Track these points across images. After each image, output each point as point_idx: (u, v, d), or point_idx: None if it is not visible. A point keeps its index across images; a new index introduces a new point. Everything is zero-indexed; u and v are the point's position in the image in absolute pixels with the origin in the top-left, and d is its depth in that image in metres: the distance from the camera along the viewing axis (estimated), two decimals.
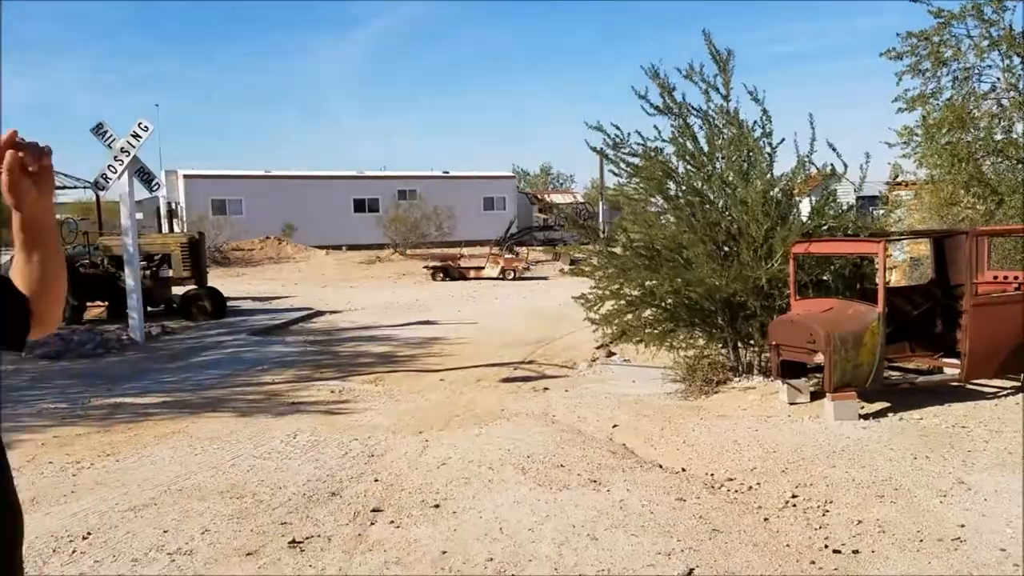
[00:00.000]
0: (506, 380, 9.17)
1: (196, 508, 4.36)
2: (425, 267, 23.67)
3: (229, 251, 29.23)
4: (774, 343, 6.70)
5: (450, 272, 22.73)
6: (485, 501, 4.44)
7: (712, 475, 5.04)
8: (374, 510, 4.36)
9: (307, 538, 3.94)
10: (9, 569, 1.36)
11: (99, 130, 10.51)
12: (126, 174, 10.60)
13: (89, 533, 4.04)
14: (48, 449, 6.04)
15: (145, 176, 11.29)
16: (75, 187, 19.77)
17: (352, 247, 32.03)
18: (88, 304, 13.76)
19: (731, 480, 4.89)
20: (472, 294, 18.81)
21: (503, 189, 39.42)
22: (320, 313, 15.59)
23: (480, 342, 11.75)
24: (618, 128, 8.08)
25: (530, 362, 10.26)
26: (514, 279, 22.19)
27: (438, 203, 32.24)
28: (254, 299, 17.66)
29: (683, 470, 5.19)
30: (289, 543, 3.84)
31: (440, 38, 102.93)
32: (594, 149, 8.17)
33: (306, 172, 36.55)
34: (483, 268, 22.76)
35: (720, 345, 8.10)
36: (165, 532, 4.00)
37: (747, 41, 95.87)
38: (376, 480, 4.95)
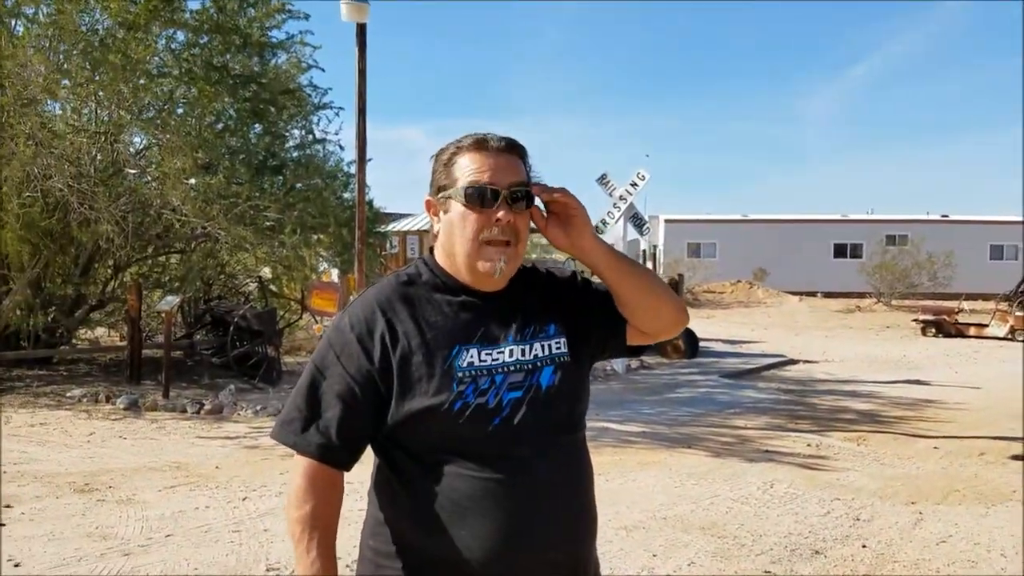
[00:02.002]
0: (1017, 457, 7.79)
1: (681, 539, 4.52)
2: (914, 320, 21.44)
3: (700, 293, 30.09)
4: None
5: (944, 328, 20.22)
6: None
7: None
8: None
9: None
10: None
11: (603, 180, 11.73)
12: (622, 219, 11.64)
13: None
14: None
15: (637, 221, 12.25)
16: None
17: (828, 294, 30.54)
18: None
19: None
20: (972, 354, 16.49)
21: (1015, 236, 33.99)
22: (793, 361, 15.11)
23: (983, 410, 10.21)
24: None
25: None
26: None
27: (933, 250, 29.04)
28: (724, 342, 17.86)
29: None
30: None
31: (933, 74, 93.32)
32: None
33: (782, 216, 36.02)
34: (987, 326, 19.79)
35: None
36: (654, 556, 4.22)
37: None
38: (864, 546, 4.60)
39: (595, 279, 1.62)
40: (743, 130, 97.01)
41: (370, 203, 13.28)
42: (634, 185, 11.58)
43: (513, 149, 1.51)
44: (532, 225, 1.53)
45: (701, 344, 15.36)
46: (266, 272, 13.34)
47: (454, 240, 1.49)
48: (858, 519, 5.14)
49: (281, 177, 11.49)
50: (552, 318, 1.56)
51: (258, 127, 11.77)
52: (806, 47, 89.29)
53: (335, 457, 1.46)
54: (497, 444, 1.43)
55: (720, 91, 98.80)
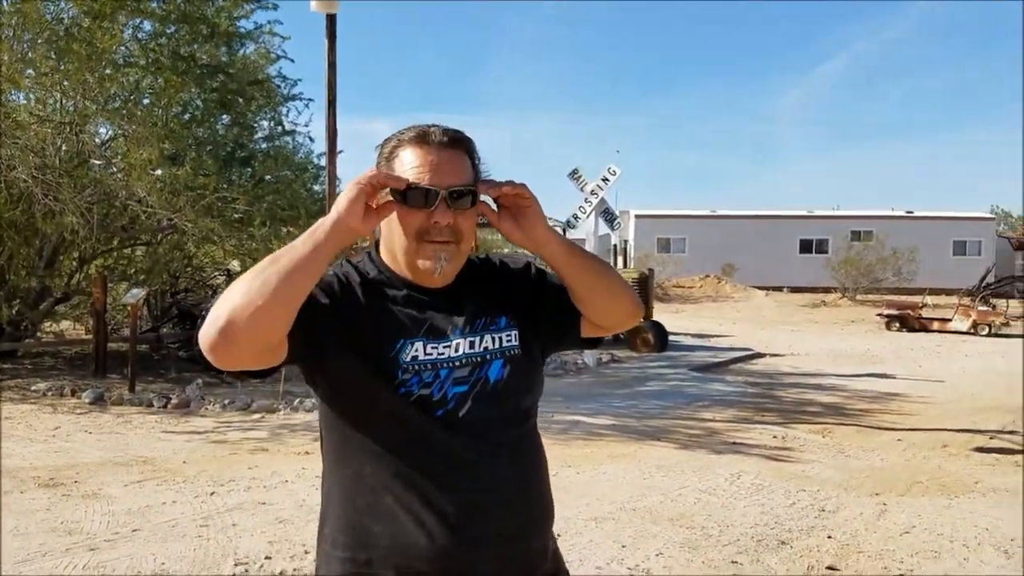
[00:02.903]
0: (980, 449, 7.97)
1: (650, 530, 4.57)
2: (879, 315, 21.79)
3: (670, 287, 30.32)
4: None
5: (908, 322, 20.58)
6: None
7: None
8: (829, 567, 4.11)
9: None
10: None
11: (574, 175, 11.78)
12: (594, 214, 11.70)
13: (559, 535, 4.47)
14: None
15: (608, 216, 12.32)
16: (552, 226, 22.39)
17: (795, 289, 30.94)
18: None
19: None
20: (935, 348, 16.81)
21: (978, 232, 34.71)
22: (760, 355, 15.29)
23: (946, 403, 10.41)
24: None
25: (1011, 432, 8.79)
26: (988, 335, 19.29)
27: (897, 245, 29.54)
28: (693, 335, 18.01)
29: None
30: None
31: (909, 72, 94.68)
32: None
33: (750, 212, 36.39)
34: (949, 320, 20.18)
35: None
36: (623, 547, 4.26)
37: None
38: (829, 537, 4.67)
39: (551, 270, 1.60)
40: (716, 127, 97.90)
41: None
42: (605, 180, 11.64)
43: (457, 144, 1.47)
44: (485, 219, 1.51)
45: (671, 338, 15.50)
46: (235, 265, 13.19)
47: (394, 238, 1.47)
48: (823, 510, 5.22)
49: (250, 169, 11.38)
50: (503, 310, 1.55)
51: (226, 118, 11.63)
52: (777, 46, 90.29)
53: None
54: (442, 437, 1.41)
55: (692, 88, 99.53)
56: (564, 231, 20.47)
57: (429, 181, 1.42)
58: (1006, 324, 20.34)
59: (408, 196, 1.42)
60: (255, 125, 12.10)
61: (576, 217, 12.03)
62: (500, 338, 1.52)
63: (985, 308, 20.76)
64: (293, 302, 1.29)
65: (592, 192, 11.66)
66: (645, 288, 15.09)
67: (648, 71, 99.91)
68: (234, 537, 4.52)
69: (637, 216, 35.38)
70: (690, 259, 33.07)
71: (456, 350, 1.47)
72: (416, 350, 1.44)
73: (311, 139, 12.59)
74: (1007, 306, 22.49)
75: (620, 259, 21.75)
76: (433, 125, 1.47)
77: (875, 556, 4.29)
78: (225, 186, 10.36)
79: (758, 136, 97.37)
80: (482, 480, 1.42)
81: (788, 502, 5.41)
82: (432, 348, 1.45)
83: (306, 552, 4.24)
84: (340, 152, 10.64)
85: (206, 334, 1.29)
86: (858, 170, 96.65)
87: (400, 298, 1.49)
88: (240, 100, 11.29)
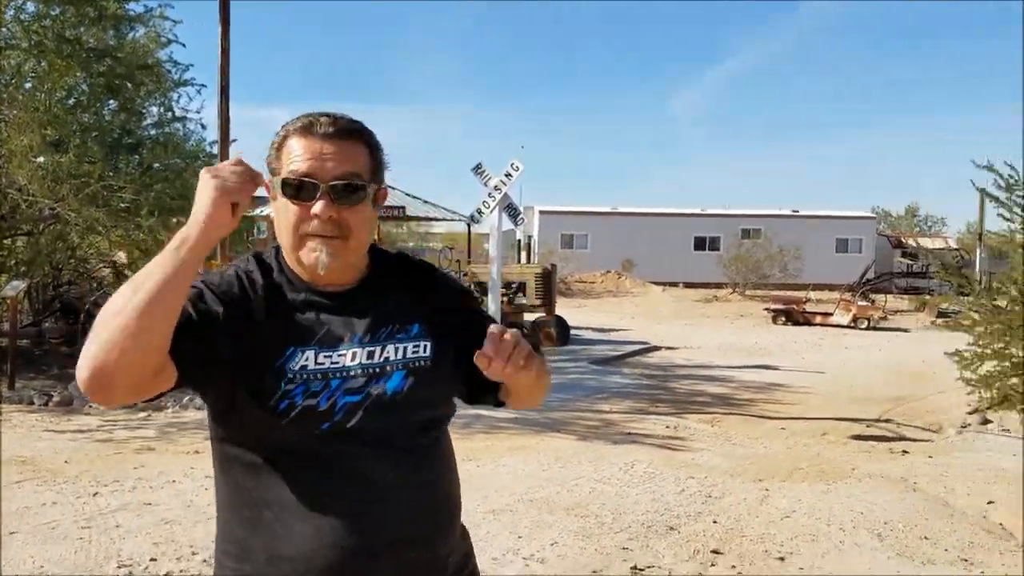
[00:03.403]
0: (857, 437, 8.47)
1: (546, 520, 4.67)
2: (766, 309, 22.78)
3: (572, 283, 30.81)
4: None
5: (793, 316, 21.60)
6: (835, 562, 4.15)
7: None
8: (714, 551, 4.30)
9: (648, 567, 4.01)
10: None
11: (478, 169, 11.78)
12: (497, 209, 11.74)
13: None
14: None
15: (513, 211, 12.39)
16: (451, 219, 22.31)
17: (689, 285, 31.97)
18: None
19: None
20: (818, 341, 17.71)
21: (860, 231, 36.71)
22: (656, 348, 15.76)
23: (827, 394, 11.01)
24: (1013, 168, 7.12)
25: (886, 420, 9.37)
26: (867, 328, 20.45)
27: (784, 243, 30.93)
28: (594, 330, 18.39)
29: None
30: (632, 568, 3.94)
31: (804, 74, 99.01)
32: (982, 191, 7.29)
33: (649, 209, 37.34)
34: (831, 314, 21.28)
35: None
36: (519, 537, 4.34)
37: None
38: (715, 522, 4.88)
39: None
40: (619, 126, 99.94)
41: None
42: (508, 176, 11.69)
43: (348, 134, 1.40)
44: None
45: (572, 332, 15.78)
46: (121, 256, 12.63)
47: (279, 230, 1.41)
48: (710, 496, 5.45)
49: (138, 156, 10.90)
50: (418, 319, 1.47)
51: (113, 103, 11.10)
52: (676, 46, 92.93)
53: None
54: (329, 448, 1.35)
55: (597, 87, 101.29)
56: (468, 226, 20.50)
57: (309, 172, 1.36)
58: (884, 318, 21.60)
59: (285, 188, 1.37)
60: (144, 111, 11.59)
61: (480, 212, 12.04)
62: (406, 348, 1.44)
63: (865, 303, 22.00)
64: (164, 329, 1.20)
65: (495, 187, 11.71)
66: (548, 283, 15.30)
67: (555, 68, 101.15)
68: (117, 539, 4.35)
69: (542, 212, 35.80)
70: (592, 255, 33.70)
71: (352, 359, 1.39)
72: (306, 359, 1.36)
73: (203, 126, 12.14)
74: (885, 301, 23.92)
75: (524, 254, 21.99)
76: (325, 114, 1.40)
77: (757, 540, 4.51)
78: (111, 174, 9.91)
79: (658, 135, 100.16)
80: (375, 490, 1.36)
81: (678, 489, 5.62)
82: (325, 357, 1.37)
83: (193, 553, 4.13)
84: (233, 140, 10.38)
85: (80, 377, 1.19)
86: (749, 169, 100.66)
87: (299, 302, 1.41)
88: (129, 85, 10.79)
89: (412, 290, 1.51)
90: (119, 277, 11.89)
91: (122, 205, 10.04)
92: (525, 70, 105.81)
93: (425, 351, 1.45)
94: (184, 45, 11.52)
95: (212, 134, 11.64)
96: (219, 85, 9.42)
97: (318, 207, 1.36)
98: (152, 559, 4.08)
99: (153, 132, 11.53)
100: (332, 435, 1.34)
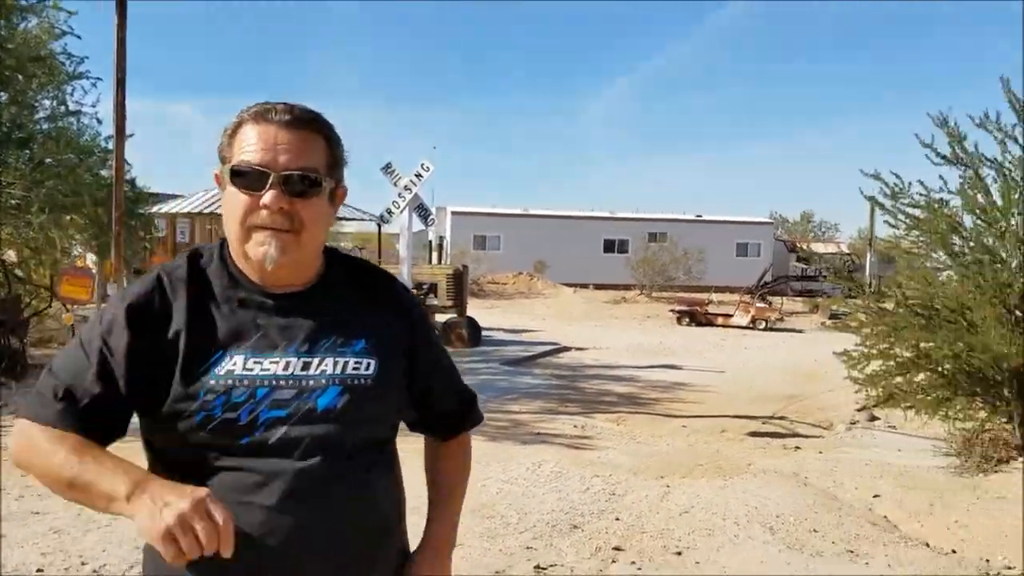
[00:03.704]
0: (754, 434, 8.82)
1: None
2: (671, 310, 23.42)
3: (485, 284, 30.92)
4: None
5: (696, 317, 22.28)
6: (730, 556, 4.32)
7: (988, 561, 4.52)
8: (615, 548, 4.41)
9: (551, 565, 4.08)
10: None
11: (388, 169, 11.74)
12: (407, 209, 11.72)
13: None
14: None
15: (423, 212, 12.39)
16: (362, 219, 22.05)
17: (599, 286, 32.57)
18: None
19: (1010, 570, 4.35)
20: (719, 342, 18.32)
21: (759, 235, 38.17)
22: (567, 349, 15.99)
23: (726, 392, 11.42)
24: (898, 177, 7.56)
25: (781, 418, 9.80)
26: (765, 329, 21.28)
27: (688, 246, 31.90)
28: (506, 331, 18.51)
29: (953, 552, 4.71)
30: (535, 567, 4.01)
31: (708, 85, 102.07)
32: (870, 199, 7.71)
33: (560, 212, 37.86)
34: (732, 316, 22.05)
35: (1005, 420, 7.23)
36: None
37: None
38: (617, 519, 5.01)
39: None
40: (533, 128, 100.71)
41: (132, 182, 12.30)
42: (418, 176, 11.69)
43: (305, 124, 1.33)
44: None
45: (484, 333, 15.85)
46: (10, 255, 11.98)
47: (226, 221, 1.33)
48: (614, 494, 5.58)
49: (28, 151, 10.37)
50: (366, 334, 1.37)
51: (3, 96, 10.53)
52: (588, 50, 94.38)
53: (86, 432, 1.27)
54: (246, 465, 1.26)
55: (511, 89, 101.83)
56: (379, 226, 20.31)
57: (261, 161, 1.29)
58: (780, 319, 22.52)
59: (234, 177, 1.30)
60: (36, 104, 11.03)
61: (390, 212, 11.99)
62: (347, 363, 1.33)
63: (763, 305, 22.87)
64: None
65: (405, 187, 11.68)
66: (460, 284, 15.32)
67: (468, 68, 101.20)
68: (3, 549, 4.15)
69: (454, 213, 35.80)
70: (504, 256, 33.92)
71: (285, 368, 1.29)
72: (234, 363, 1.27)
73: (99, 120, 11.65)
74: (782, 303, 24.94)
75: (436, 255, 21.93)
76: (282, 102, 1.33)
77: (657, 535, 4.66)
78: (0, 169, 9.40)
79: (569, 138, 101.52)
80: (303, 509, 1.26)
81: (583, 488, 5.73)
82: (255, 363, 1.28)
83: (83, 563, 3.98)
84: (130, 135, 10.03)
85: (15, 463, 1.31)
86: (656, 175, 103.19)
87: (235, 301, 1.33)
88: (19, 77, 10.25)
89: (366, 302, 1.42)
90: (7, 277, 11.29)
91: (12, 202, 9.54)
92: (438, 70, 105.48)
93: (368, 369, 1.35)
94: (79, 37, 11.04)
95: (108, 129, 11.20)
96: (115, 77, 9.07)
97: (268, 197, 1.28)
98: (39, 570, 3.91)
99: (45, 126, 10.99)
100: (251, 451, 1.26)
